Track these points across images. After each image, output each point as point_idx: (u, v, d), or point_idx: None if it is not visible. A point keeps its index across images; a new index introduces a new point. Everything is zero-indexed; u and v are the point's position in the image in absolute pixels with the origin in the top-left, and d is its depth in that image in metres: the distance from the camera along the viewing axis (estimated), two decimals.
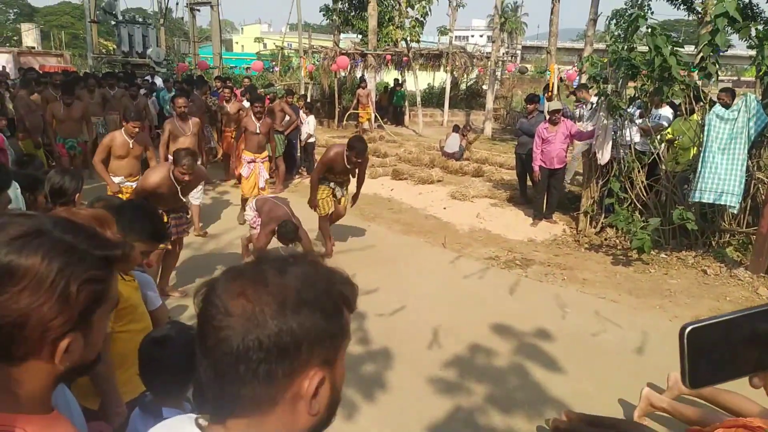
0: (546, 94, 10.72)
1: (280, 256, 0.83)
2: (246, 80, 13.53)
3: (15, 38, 39.53)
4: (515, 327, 4.78)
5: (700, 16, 14.26)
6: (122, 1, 25.84)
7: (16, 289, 0.80)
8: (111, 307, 0.95)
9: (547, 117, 7.67)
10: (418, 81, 18.08)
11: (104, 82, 11.33)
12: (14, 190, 2.61)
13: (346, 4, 21.22)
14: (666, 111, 7.61)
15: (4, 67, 20.71)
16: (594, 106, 9.11)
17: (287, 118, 9.82)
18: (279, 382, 0.75)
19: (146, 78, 15.35)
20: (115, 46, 25.56)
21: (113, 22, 23.30)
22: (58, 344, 0.85)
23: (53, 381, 0.90)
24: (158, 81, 14.89)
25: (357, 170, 6.16)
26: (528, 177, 8.44)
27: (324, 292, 0.79)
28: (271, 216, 5.61)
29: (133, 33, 21.76)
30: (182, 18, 27.12)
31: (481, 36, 57.82)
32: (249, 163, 7.64)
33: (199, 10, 24.09)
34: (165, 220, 4.78)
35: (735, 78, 40.55)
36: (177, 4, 35.24)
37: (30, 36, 30.53)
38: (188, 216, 5.46)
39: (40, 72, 13.54)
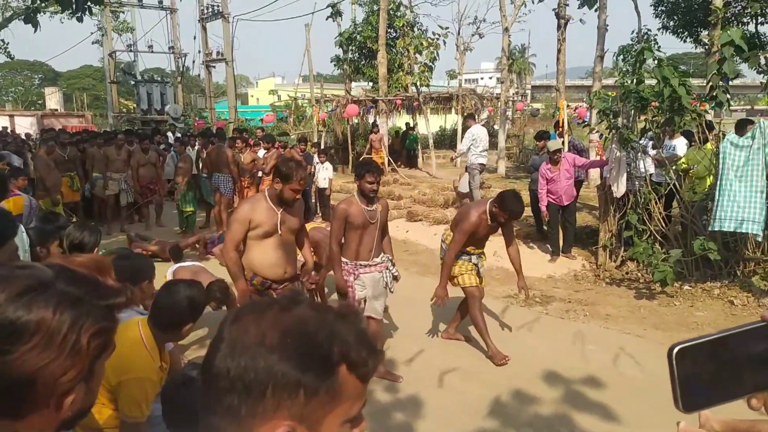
0: (557, 131, 10.76)
1: (306, 297, 0.81)
2: (259, 131, 13.82)
3: (39, 102, 41.11)
4: (539, 367, 4.64)
5: (707, 47, 14.38)
6: (141, 62, 26.92)
7: (26, 348, 0.78)
8: (111, 353, 0.93)
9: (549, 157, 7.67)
10: (429, 124, 18.30)
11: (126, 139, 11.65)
12: (23, 244, 2.64)
13: (356, 54, 21.75)
14: (680, 141, 7.57)
15: (21, 134, 21.49)
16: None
17: None
18: (243, 422, 0.72)
19: (168, 134, 15.79)
20: (134, 105, 26.45)
21: (132, 82, 24.18)
22: (66, 398, 0.83)
23: (56, 429, 0.88)
24: (170, 136, 15.31)
25: (505, 232, 4.94)
26: None
27: (313, 342, 0.73)
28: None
29: (151, 91, 22.54)
30: (199, 75, 28.02)
31: (490, 78, 58.64)
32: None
33: (214, 67, 24.95)
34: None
35: (748, 107, 40.45)
36: (193, 62, 36.60)
37: (53, 99, 31.75)
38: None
39: (64, 131, 13.97)
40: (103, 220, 9.96)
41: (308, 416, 0.72)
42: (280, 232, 3.82)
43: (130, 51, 26.01)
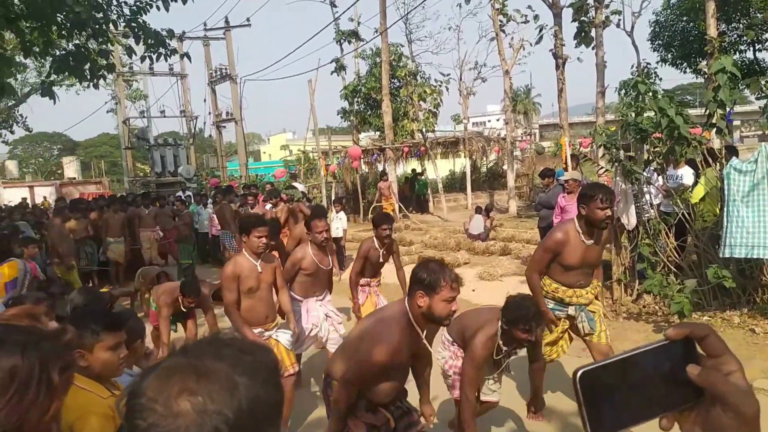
0: (563, 167, 10.79)
1: (204, 341, 0.81)
2: (268, 185, 14.04)
3: (59, 171, 42.35)
4: (559, 409, 4.52)
5: (706, 76, 14.48)
6: (154, 126, 27.73)
7: (7, 398, 0.81)
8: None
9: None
10: (437, 168, 18.46)
11: (138, 201, 11.98)
12: None
13: (362, 105, 22.22)
14: (686, 170, 7.53)
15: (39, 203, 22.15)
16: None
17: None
18: None
19: (178, 194, 16.13)
20: (149, 169, 27.10)
21: (147, 147, 24.86)
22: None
23: None
24: (181, 195, 15.66)
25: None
26: None
27: (263, 364, 0.79)
28: None
29: (164, 155, 23.08)
30: (210, 135, 28.79)
31: (498, 120, 59.34)
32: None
33: (225, 127, 25.60)
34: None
35: (760, 132, 40.30)
36: (204, 123, 37.48)
37: (71, 168, 32.66)
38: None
39: (80, 199, 14.38)
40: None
41: (279, 425, 0.83)
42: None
43: (144, 117, 26.85)
